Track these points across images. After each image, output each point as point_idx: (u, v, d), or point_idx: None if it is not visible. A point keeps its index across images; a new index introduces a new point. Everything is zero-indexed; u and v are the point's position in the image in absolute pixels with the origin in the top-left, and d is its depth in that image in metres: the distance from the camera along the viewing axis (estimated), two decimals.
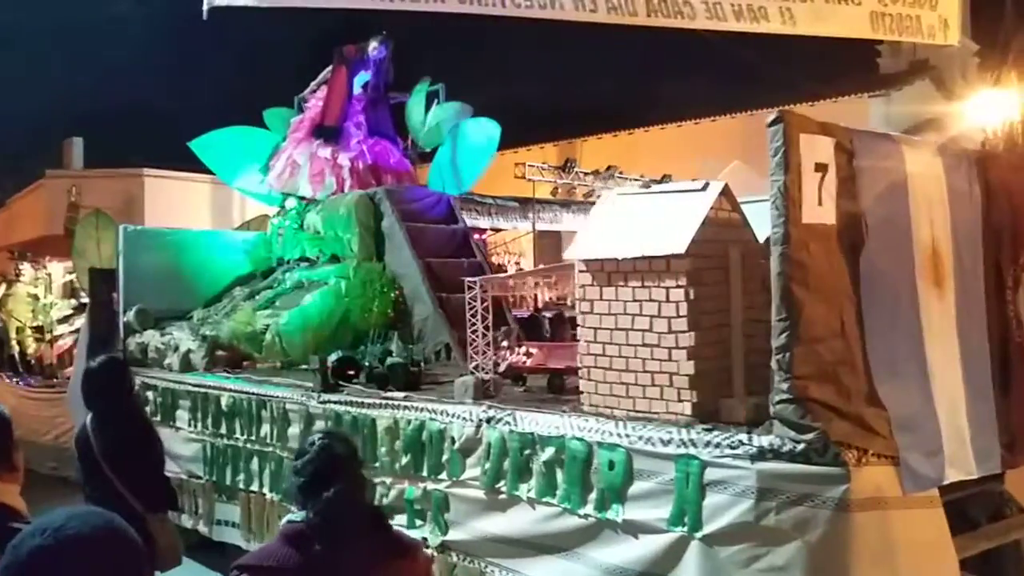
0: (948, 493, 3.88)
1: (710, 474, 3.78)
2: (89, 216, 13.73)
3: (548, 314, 10.27)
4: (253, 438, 6.65)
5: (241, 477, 6.80)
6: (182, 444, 7.42)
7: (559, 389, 5.36)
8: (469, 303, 5.47)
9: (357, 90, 9.83)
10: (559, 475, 4.42)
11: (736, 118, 17.38)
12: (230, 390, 6.99)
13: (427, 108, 9.73)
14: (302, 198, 9.41)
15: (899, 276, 3.98)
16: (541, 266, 8.36)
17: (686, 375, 4.14)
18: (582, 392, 4.63)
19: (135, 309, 8.83)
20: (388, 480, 5.40)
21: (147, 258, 9.04)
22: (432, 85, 9.72)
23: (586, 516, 4.29)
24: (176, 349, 8.15)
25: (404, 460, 5.30)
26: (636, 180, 13.57)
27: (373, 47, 9.65)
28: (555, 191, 14.35)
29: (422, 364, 6.51)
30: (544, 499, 4.49)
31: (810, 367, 3.63)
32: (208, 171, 11.62)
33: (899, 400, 3.78)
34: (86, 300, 10.94)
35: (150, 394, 7.94)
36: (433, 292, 7.73)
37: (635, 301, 4.33)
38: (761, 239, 4.48)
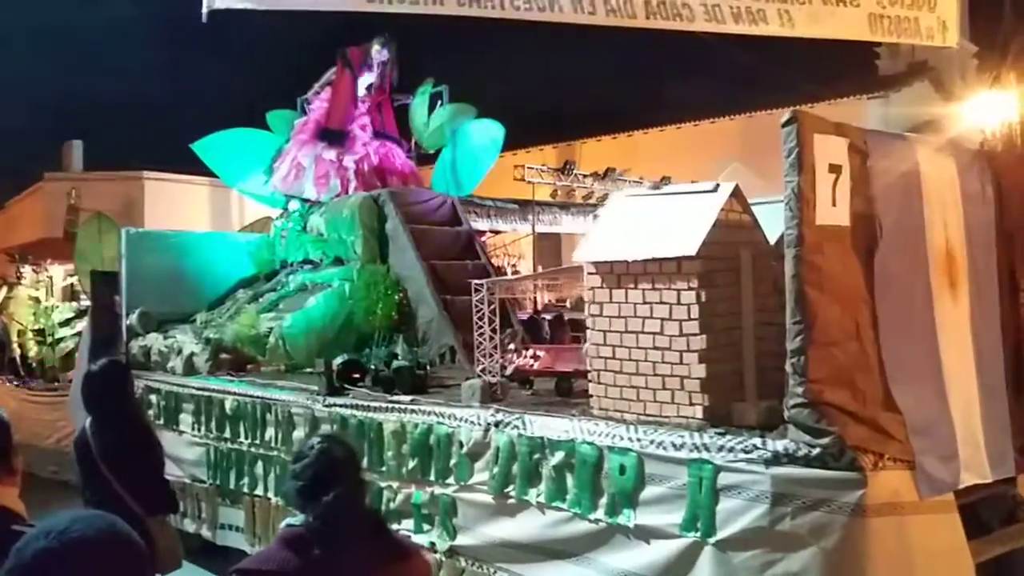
0: (960, 497, 3.85)
1: (723, 479, 3.74)
2: (91, 219, 13.71)
3: (548, 316, 10.23)
4: (257, 442, 6.61)
5: (245, 481, 6.76)
6: (186, 448, 7.37)
7: (567, 392, 5.32)
8: (476, 305, 5.43)
9: (361, 93, 9.80)
10: (569, 479, 4.38)
11: (735, 120, 17.35)
12: (234, 393, 6.95)
13: (430, 110, 9.70)
14: (306, 200, 9.38)
15: (914, 278, 3.95)
16: (540, 269, 8.33)
17: (697, 378, 4.11)
18: (591, 395, 4.59)
19: (138, 312, 8.80)
20: (395, 484, 5.37)
21: (150, 261, 9.00)
22: (435, 87, 9.70)
23: (597, 521, 4.25)
24: (179, 352, 8.12)
25: (411, 464, 5.25)
26: (635, 182, 13.54)
27: (376, 49, 9.61)
28: (554, 193, 14.32)
29: (428, 367, 6.47)
30: (554, 504, 4.45)
31: (825, 370, 3.59)
32: (208, 173, 11.58)
33: (914, 404, 3.75)
34: (87, 303, 10.89)
35: (153, 397, 7.90)
36: (437, 294, 7.68)
37: (645, 303, 4.29)
38: (769, 241, 4.45)
